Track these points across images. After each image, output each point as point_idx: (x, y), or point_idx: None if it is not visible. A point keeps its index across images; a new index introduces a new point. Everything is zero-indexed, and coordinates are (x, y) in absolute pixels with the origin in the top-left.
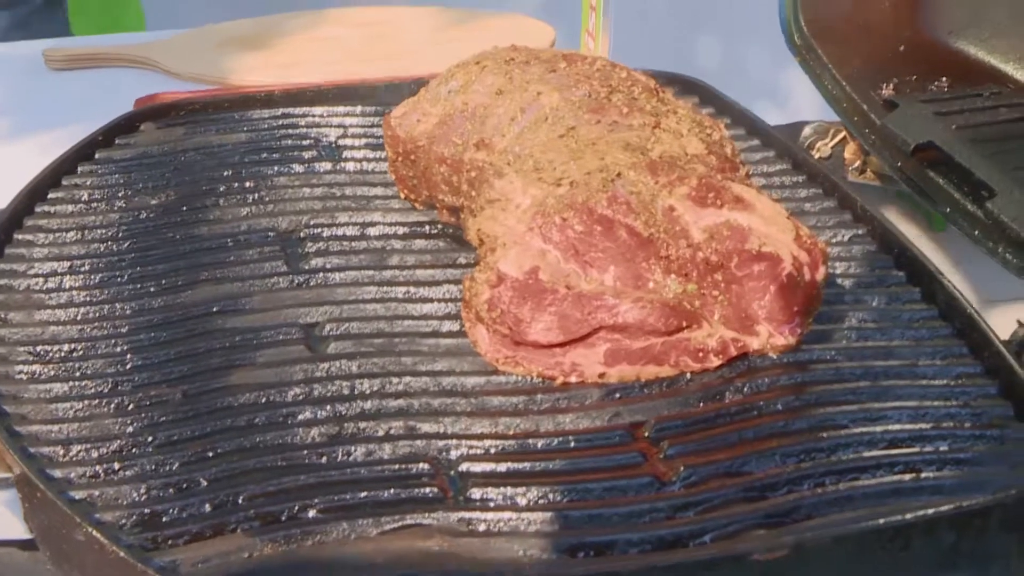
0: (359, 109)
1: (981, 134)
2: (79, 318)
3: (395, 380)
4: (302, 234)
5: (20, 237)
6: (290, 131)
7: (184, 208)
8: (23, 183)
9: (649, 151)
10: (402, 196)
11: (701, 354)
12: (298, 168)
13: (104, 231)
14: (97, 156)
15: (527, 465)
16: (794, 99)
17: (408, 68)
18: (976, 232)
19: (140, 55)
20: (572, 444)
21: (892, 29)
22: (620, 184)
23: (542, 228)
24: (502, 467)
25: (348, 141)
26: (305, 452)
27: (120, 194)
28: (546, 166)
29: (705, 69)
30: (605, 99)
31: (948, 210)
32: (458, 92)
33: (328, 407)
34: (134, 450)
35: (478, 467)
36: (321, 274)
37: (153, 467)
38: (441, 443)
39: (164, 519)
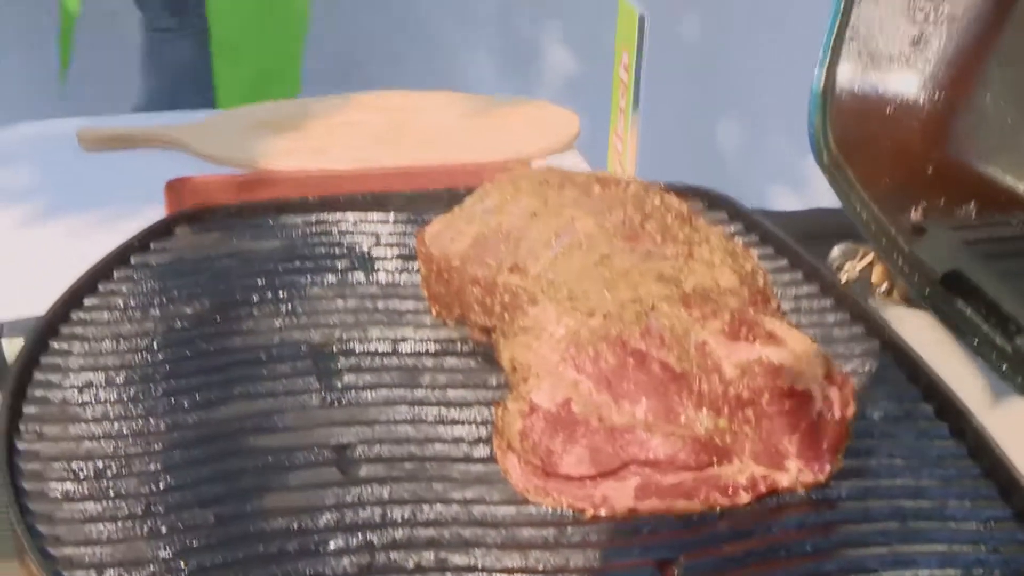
0: (392, 217)
1: (1011, 266)
2: (114, 433)
3: (426, 508)
4: (334, 348)
5: (56, 346)
6: (324, 239)
7: (218, 318)
8: (53, 269)
9: (683, 283)
10: (433, 312)
11: (731, 490)
12: (331, 278)
13: (139, 340)
14: (133, 261)
15: None
16: (812, 184)
17: (435, 154)
18: (1004, 367)
19: (172, 137)
20: None
21: (921, 151)
22: (654, 317)
23: (576, 359)
24: None
25: (381, 251)
26: None
27: (155, 301)
28: (580, 295)
29: (726, 152)
30: (639, 226)
31: (976, 342)
32: (493, 212)
33: (359, 535)
34: None
35: None
36: (353, 392)
37: None
38: None
39: None
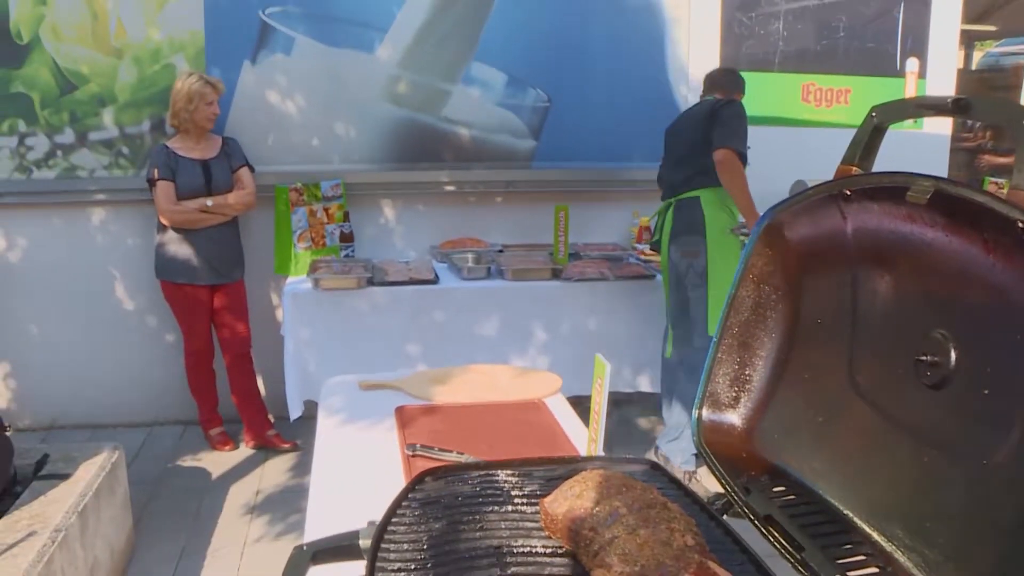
0: (529, 473)
1: (794, 511)
2: None
3: None
4: (504, 550)
5: (384, 546)
6: (491, 485)
7: (448, 534)
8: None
9: (672, 545)
10: (552, 537)
11: None
12: (496, 508)
13: (417, 542)
14: (407, 497)
15: None
16: None
17: (501, 394)
18: (799, 569)
19: (397, 384)
20: None
21: (740, 446)
22: (664, 568)
23: None
24: None
25: (517, 492)
26: None
27: (420, 524)
28: (624, 554)
29: None
30: (648, 510)
31: (781, 552)
32: (577, 496)
33: None
34: None
35: None
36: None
37: None
38: None
39: None
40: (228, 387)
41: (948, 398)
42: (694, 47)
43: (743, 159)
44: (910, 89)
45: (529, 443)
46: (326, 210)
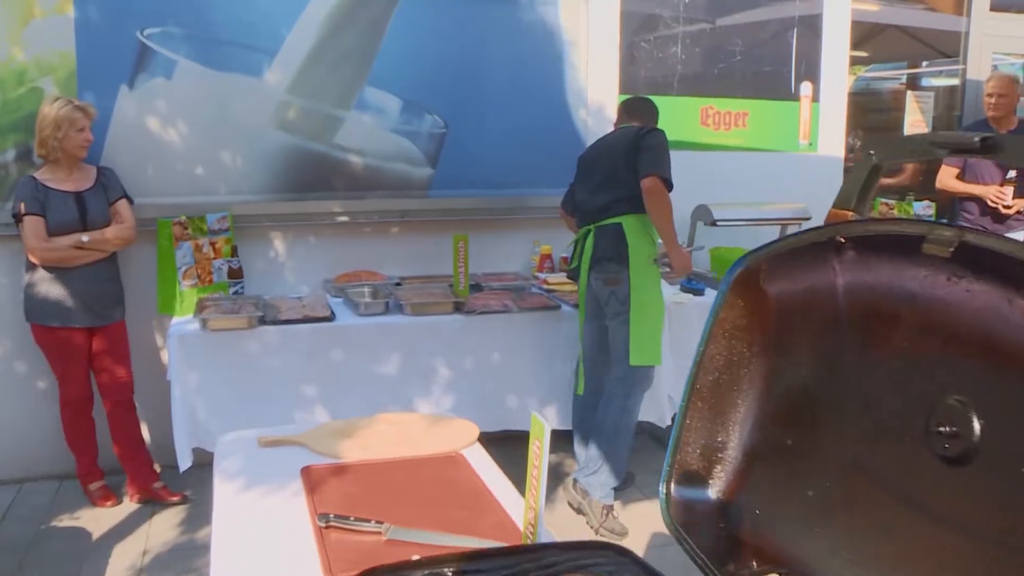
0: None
1: None
2: None
3: None
4: None
5: None
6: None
7: None
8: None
9: None
10: None
11: None
12: None
13: None
14: None
15: None
16: None
17: (415, 448)
18: None
19: (300, 440)
20: None
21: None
22: None
23: None
24: None
25: None
26: None
27: None
28: None
29: None
30: None
31: None
32: None
33: None
34: None
35: None
36: None
37: None
38: None
39: None
40: (109, 437)
41: (971, 474)
42: (593, 70)
43: (669, 187)
44: (805, 113)
45: (452, 505)
46: (213, 244)
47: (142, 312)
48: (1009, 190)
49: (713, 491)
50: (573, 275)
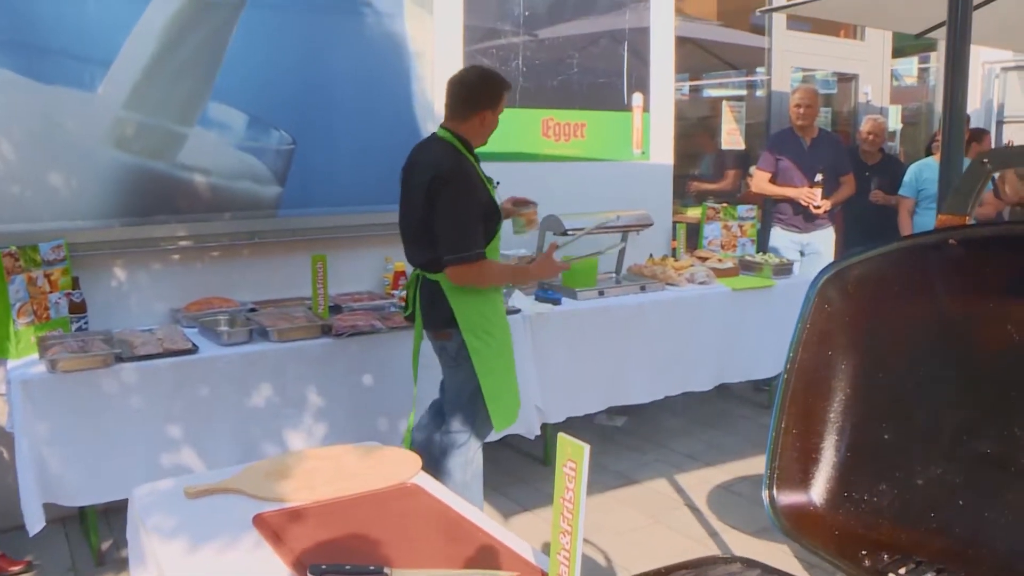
0: None
1: None
2: None
3: None
4: None
5: None
6: None
7: None
8: None
9: None
10: None
11: None
12: None
13: None
14: None
15: None
16: None
17: (359, 483)
18: None
19: (231, 486)
20: None
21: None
22: None
23: None
24: None
25: None
26: None
27: None
28: None
29: None
30: None
31: None
32: None
33: None
34: None
35: None
36: None
37: None
38: None
39: None
40: None
41: None
42: (439, 83)
43: (481, 256)
44: (637, 122)
45: (439, 538)
46: (48, 276)
47: None
48: (818, 191)
49: (817, 491)
50: (411, 319)
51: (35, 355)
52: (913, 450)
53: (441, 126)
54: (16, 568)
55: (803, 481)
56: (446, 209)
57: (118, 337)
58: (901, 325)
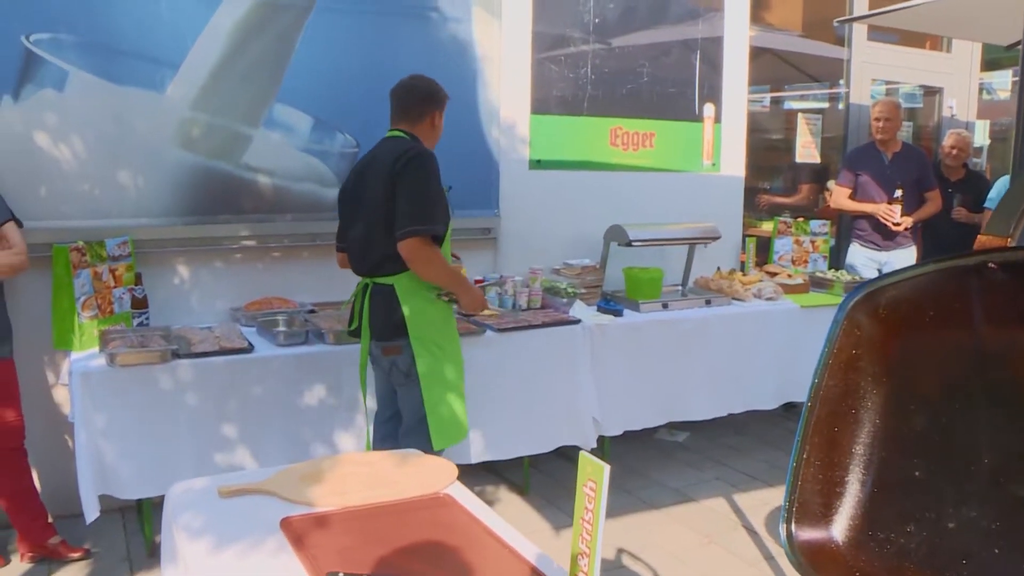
0: None
1: None
2: None
3: None
4: None
5: None
6: None
7: None
8: None
9: None
10: None
11: None
12: None
13: None
14: None
15: None
16: None
17: (393, 490)
18: None
19: (265, 488)
20: None
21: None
22: None
23: None
24: None
25: None
26: None
27: None
28: None
29: None
30: None
31: None
32: None
33: None
34: None
35: None
36: None
37: None
38: None
39: None
40: None
41: None
42: (505, 89)
43: (438, 240)
44: (708, 133)
45: (466, 552)
46: (113, 272)
47: (34, 348)
48: (897, 208)
49: (839, 528)
50: (356, 335)
51: (96, 348)
52: (945, 490)
53: (391, 130)
54: (75, 555)
55: (824, 516)
56: (412, 183)
57: (177, 333)
58: (935, 353)
